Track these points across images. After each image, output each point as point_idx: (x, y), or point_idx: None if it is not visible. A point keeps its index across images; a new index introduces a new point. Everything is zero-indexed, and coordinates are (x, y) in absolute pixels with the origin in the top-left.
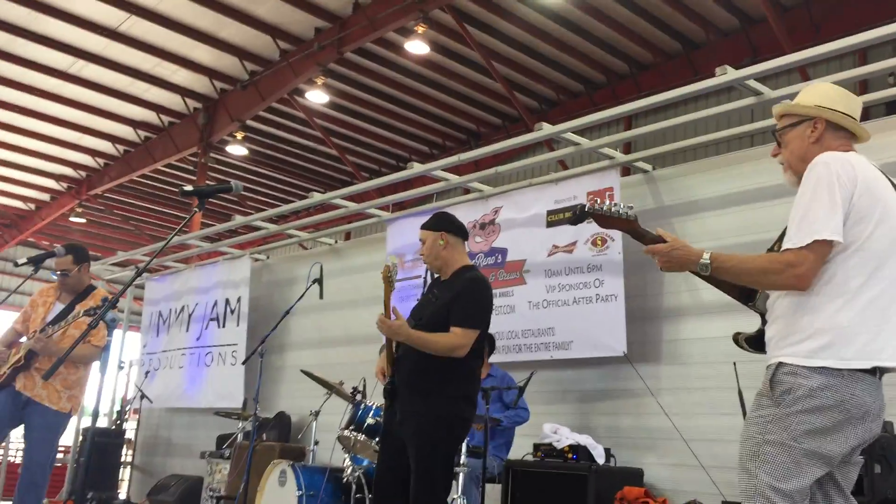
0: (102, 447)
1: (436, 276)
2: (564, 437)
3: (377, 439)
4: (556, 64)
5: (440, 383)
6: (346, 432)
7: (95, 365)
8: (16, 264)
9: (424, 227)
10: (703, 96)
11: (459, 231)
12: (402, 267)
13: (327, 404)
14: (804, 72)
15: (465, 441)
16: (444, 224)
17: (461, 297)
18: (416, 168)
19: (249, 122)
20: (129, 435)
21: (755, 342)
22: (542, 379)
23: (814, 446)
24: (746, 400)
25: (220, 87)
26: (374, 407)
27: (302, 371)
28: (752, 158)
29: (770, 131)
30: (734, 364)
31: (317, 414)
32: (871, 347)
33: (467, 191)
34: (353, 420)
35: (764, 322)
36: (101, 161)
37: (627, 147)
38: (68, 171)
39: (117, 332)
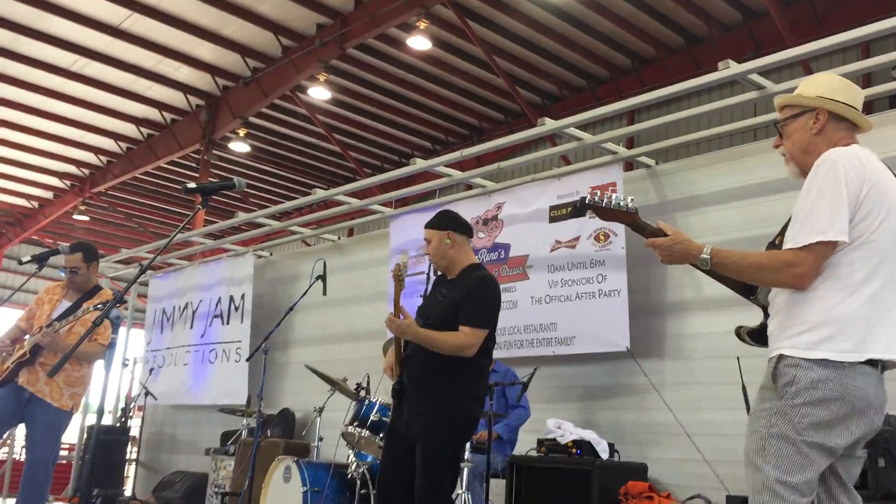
0: (107, 444)
1: (439, 273)
2: (568, 432)
3: (381, 435)
4: (558, 59)
5: (448, 381)
6: (351, 428)
7: (100, 362)
8: (20, 262)
9: (429, 226)
10: (706, 91)
11: (465, 229)
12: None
13: (331, 401)
14: (807, 66)
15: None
16: (449, 223)
17: (471, 296)
18: (419, 164)
19: (252, 119)
20: (134, 432)
21: (757, 336)
22: (546, 374)
23: (818, 438)
24: (750, 395)
25: (222, 84)
26: (377, 403)
27: (306, 366)
28: (755, 153)
29: (772, 124)
30: (738, 359)
31: (321, 410)
32: (870, 340)
33: (470, 186)
34: (357, 416)
35: (766, 316)
36: (104, 158)
37: (630, 142)
38: (71, 168)
39: (121, 330)
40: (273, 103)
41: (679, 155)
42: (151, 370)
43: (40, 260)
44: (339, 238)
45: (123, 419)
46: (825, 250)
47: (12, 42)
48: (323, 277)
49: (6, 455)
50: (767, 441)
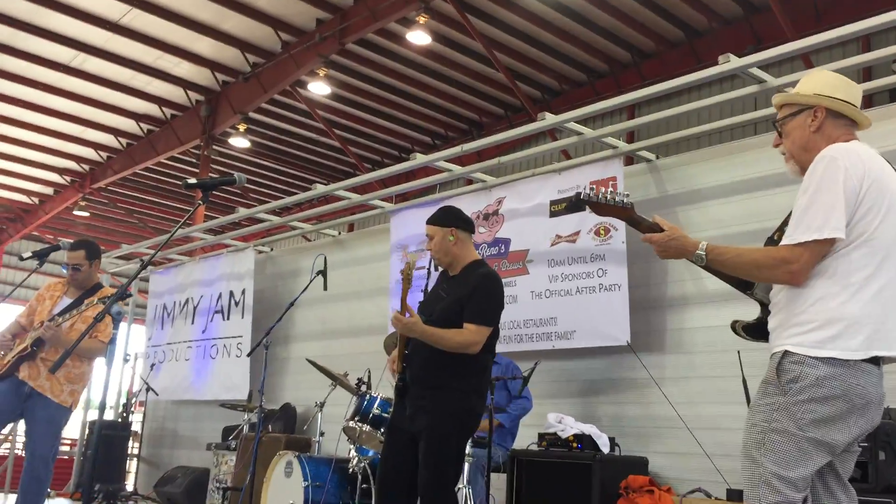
0: (109, 440)
1: (440, 269)
2: (569, 426)
3: (382, 430)
4: (558, 53)
5: (452, 378)
6: (352, 423)
7: (101, 358)
8: (21, 258)
9: (432, 222)
10: (706, 85)
11: (468, 225)
12: (405, 257)
13: (332, 395)
14: (807, 59)
15: None
16: (452, 219)
17: (476, 293)
18: (419, 159)
19: (252, 115)
20: (136, 427)
21: (753, 330)
22: (547, 369)
23: (819, 435)
24: (750, 388)
25: (222, 79)
26: (378, 398)
27: (307, 360)
28: (755, 147)
29: (772, 121)
30: (738, 353)
31: (322, 405)
32: (877, 338)
33: (470, 181)
34: (359, 411)
35: (764, 311)
36: (104, 154)
37: (630, 136)
38: (71, 164)
39: (122, 326)
40: (273, 98)
41: (679, 149)
42: (152, 366)
43: (41, 256)
44: (340, 233)
45: (125, 414)
46: (821, 248)
47: (11, 38)
48: (324, 272)
49: (7, 451)
50: (767, 435)
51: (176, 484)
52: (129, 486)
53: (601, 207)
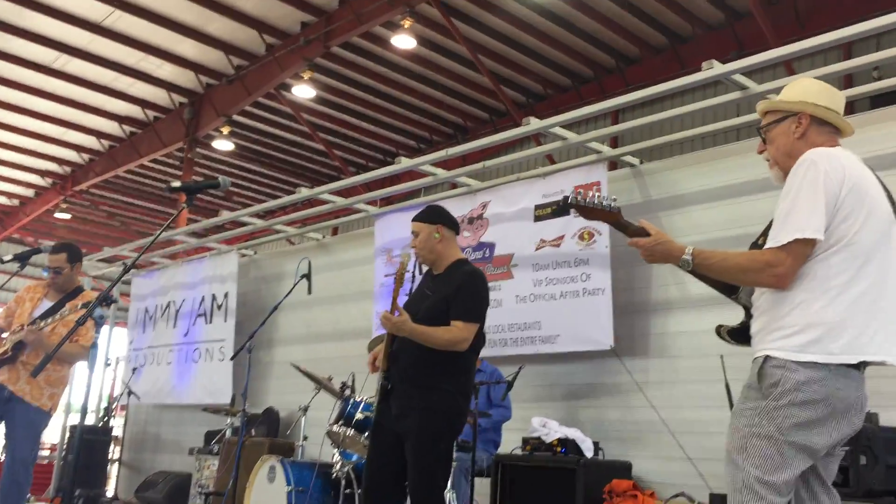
0: (90, 444)
1: (425, 269)
2: (553, 430)
3: (366, 434)
4: (542, 58)
5: (438, 377)
6: (336, 427)
7: (83, 362)
8: (1, 261)
9: (419, 219)
10: (690, 90)
11: (453, 225)
12: (389, 261)
13: (316, 399)
14: (790, 66)
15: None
16: (439, 217)
17: (462, 290)
18: (404, 163)
19: (235, 117)
20: (117, 432)
21: (737, 334)
22: (531, 373)
23: (800, 439)
24: (733, 393)
25: (205, 81)
26: (363, 402)
27: (291, 365)
28: (738, 152)
29: (756, 126)
30: (721, 357)
31: (305, 409)
32: (858, 342)
33: (455, 185)
34: (342, 415)
35: (747, 315)
36: (86, 156)
37: (614, 141)
38: (53, 166)
39: (104, 329)
40: (257, 101)
41: (663, 154)
42: (134, 369)
43: (22, 259)
44: (324, 237)
45: (106, 419)
46: (804, 249)
47: None
48: (308, 276)
49: None
50: (749, 440)
51: (157, 489)
52: (110, 492)
53: (588, 211)
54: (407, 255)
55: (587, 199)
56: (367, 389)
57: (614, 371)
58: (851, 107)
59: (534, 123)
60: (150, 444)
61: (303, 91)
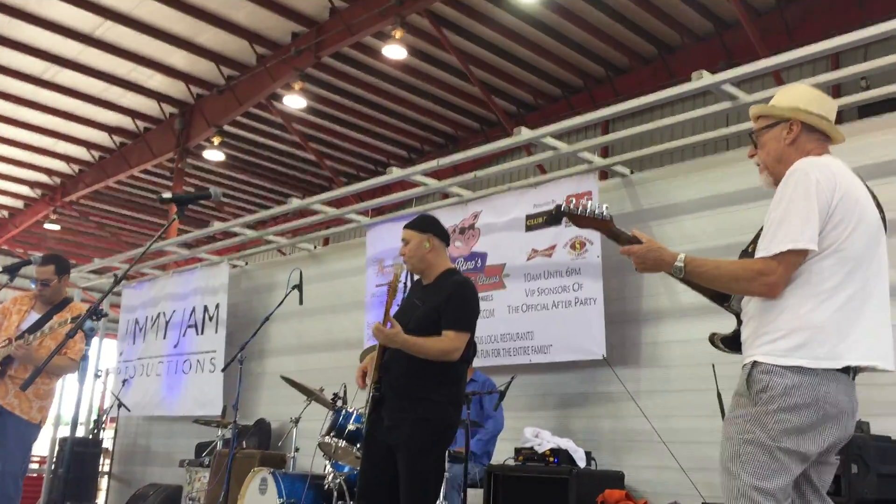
0: (80, 457)
1: (416, 279)
2: (545, 440)
3: (358, 445)
4: (533, 68)
5: (430, 388)
6: (328, 439)
7: (72, 374)
8: None
9: (410, 227)
10: (680, 101)
11: (444, 235)
12: (381, 271)
13: (308, 411)
14: (778, 76)
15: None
16: (430, 226)
17: (452, 300)
18: (396, 173)
19: (226, 128)
20: (107, 444)
21: (731, 342)
22: (523, 383)
23: (791, 444)
24: (725, 402)
25: (196, 92)
26: (354, 413)
27: (282, 377)
28: (728, 162)
29: (747, 133)
30: (713, 366)
31: (297, 421)
32: (843, 347)
33: (446, 195)
34: (334, 426)
35: (739, 323)
36: (76, 167)
37: (605, 151)
38: (42, 177)
39: (94, 341)
40: (248, 111)
41: (654, 164)
42: (124, 381)
43: (12, 271)
44: (315, 247)
45: (96, 431)
46: (796, 259)
47: None
48: (299, 287)
49: None
50: (742, 447)
51: (148, 502)
52: None
53: (581, 220)
54: (400, 265)
55: (580, 208)
56: (359, 400)
57: (606, 380)
58: (840, 116)
59: (525, 133)
60: (140, 457)
61: (294, 101)
